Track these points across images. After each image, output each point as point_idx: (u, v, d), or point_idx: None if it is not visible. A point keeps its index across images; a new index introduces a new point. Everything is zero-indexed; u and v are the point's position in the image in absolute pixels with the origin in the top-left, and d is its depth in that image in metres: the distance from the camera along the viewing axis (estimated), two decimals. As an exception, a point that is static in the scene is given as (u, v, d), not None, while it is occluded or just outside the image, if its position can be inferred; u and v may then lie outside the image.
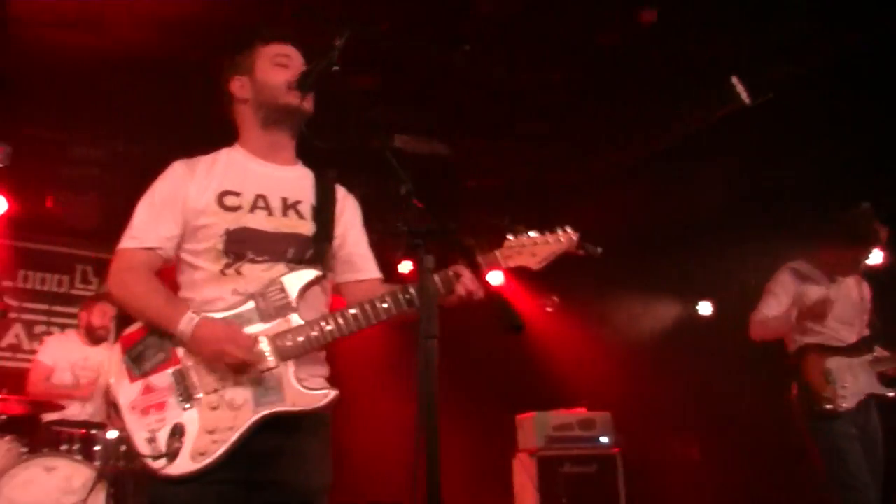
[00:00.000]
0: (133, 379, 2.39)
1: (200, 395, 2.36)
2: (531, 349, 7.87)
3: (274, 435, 2.37)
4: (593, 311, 7.97)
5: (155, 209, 2.51)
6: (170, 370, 2.39)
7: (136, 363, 2.40)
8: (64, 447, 5.23)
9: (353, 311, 2.44)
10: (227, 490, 2.31)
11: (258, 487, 2.36)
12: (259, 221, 2.53)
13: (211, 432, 2.32)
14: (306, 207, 2.63)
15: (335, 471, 2.54)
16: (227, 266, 2.47)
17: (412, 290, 2.44)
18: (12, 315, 6.80)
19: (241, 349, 2.33)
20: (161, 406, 2.35)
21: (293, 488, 2.40)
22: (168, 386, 2.38)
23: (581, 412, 7.03)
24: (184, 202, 2.51)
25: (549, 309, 8.30)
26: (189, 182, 2.53)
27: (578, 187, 7.32)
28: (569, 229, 2.54)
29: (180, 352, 2.40)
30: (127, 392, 2.38)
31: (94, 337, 6.01)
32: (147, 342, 2.42)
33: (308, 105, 2.62)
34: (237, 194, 2.54)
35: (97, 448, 5.29)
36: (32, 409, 5.59)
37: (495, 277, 8.01)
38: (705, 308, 8.01)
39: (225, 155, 2.65)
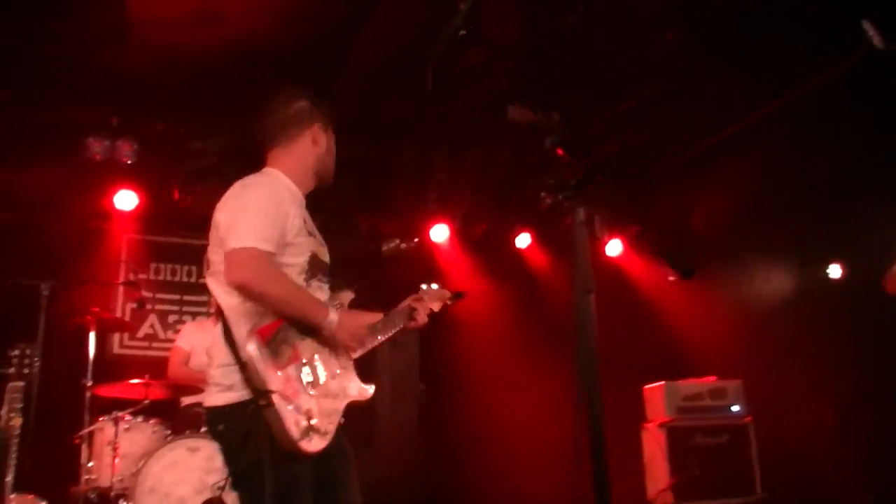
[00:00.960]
0: (276, 369, 2.65)
1: (319, 385, 2.77)
2: (655, 318, 7.71)
3: None
4: (719, 278, 7.74)
5: (273, 220, 2.73)
6: (295, 363, 2.73)
7: (275, 356, 2.67)
8: (204, 429, 5.43)
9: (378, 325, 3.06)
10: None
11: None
12: (319, 248, 2.95)
13: (328, 415, 2.76)
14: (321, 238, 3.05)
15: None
16: (305, 281, 2.85)
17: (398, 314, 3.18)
18: (147, 306, 7.06)
19: (364, 330, 2.90)
20: (296, 394, 2.67)
21: (345, 452, 2.89)
22: (297, 376, 2.72)
23: (711, 381, 6.85)
24: (285, 219, 2.78)
25: (671, 278, 8.15)
26: (288, 202, 2.84)
27: (700, 151, 7.07)
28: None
29: (300, 348, 2.76)
30: (275, 381, 2.63)
31: (222, 319, 6.20)
32: (278, 338, 2.70)
33: None
34: (306, 221, 2.93)
35: (236, 428, 5.47)
36: (173, 393, 5.83)
37: (616, 247, 7.92)
38: (835, 271, 7.79)
39: (286, 180, 2.97)
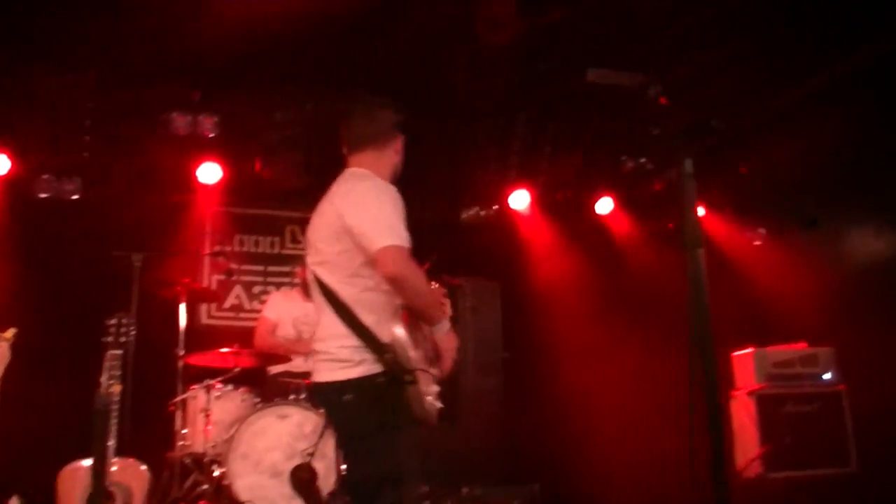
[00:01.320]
0: (414, 350, 3.00)
1: (431, 368, 3.13)
2: (742, 282, 7.50)
3: None
4: (809, 239, 7.48)
5: (402, 219, 3.06)
6: (421, 347, 3.11)
7: (412, 339, 3.02)
8: (292, 396, 5.53)
9: None
10: None
11: None
12: None
13: (436, 394, 3.14)
14: None
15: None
16: None
17: None
18: (233, 277, 7.19)
19: (455, 355, 3.23)
20: (426, 372, 3.04)
21: None
22: (423, 358, 3.08)
23: (802, 347, 6.64)
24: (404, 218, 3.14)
25: (756, 242, 7.95)
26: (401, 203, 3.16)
27: (787, 104, 6.77)
28: None
29: (419, 337, 3.13)
30: (416, 360, 2.98)
31: (309, 291, 6.28)
32: (412, 323, 3.08)
33: None
34: None
35: (322, 397, 5.56)
36: (261, 362, 5.94)
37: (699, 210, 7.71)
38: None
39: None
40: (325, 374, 3.08)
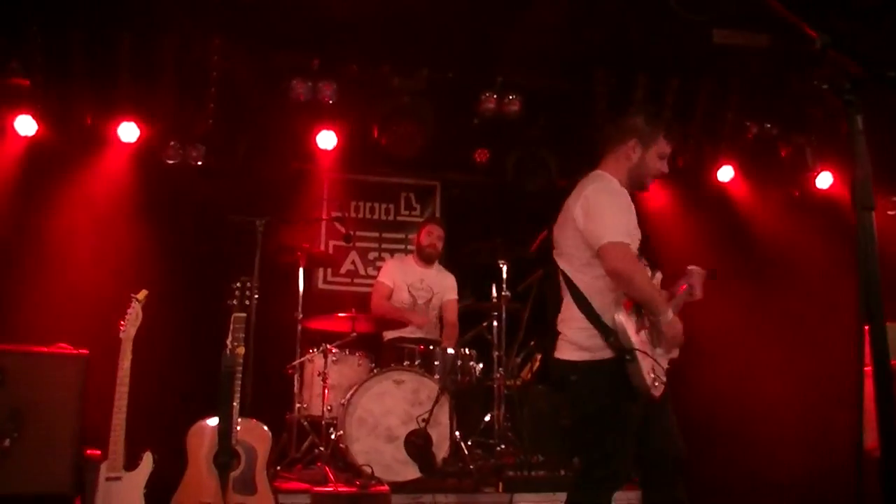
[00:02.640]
0: (636, 332, 3.31)
1: (656, 347, 3.40)
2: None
3: None
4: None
5: (625, 217, 3.41)
6: (645, 329, 3.39)
7: (635, 322, 3.34)
8: (406, 363, 5.56)
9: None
10: None
11: None
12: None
13: (663, 370, 3.38)
14: None
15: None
16: None
17: None
18: (350, 243, 7.22)
19: (681, 339, 3.47)
20: (646, 352, 3.30)
21: (666, 396, 3.52)
22: (647, 339, 3.38)
23: (940, 322, 6.25)
24: (631, 215, 3.47)
25: (890, 212, 7.52)
26: (629, 202, 3.49)
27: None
28: None
29: (645, 318, 3.40)
30: (635, 339, 3.28)
31: (423, 255, 6.33)
32: (635, 308, 3.37)
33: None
34: None
35: (437, 363, 5.59)
36: (377, 327, 6.00)
37: (826, 179, 7.34)
38: None
39: (616, 182, 3.54)
40: (561, 352, 3.47)
